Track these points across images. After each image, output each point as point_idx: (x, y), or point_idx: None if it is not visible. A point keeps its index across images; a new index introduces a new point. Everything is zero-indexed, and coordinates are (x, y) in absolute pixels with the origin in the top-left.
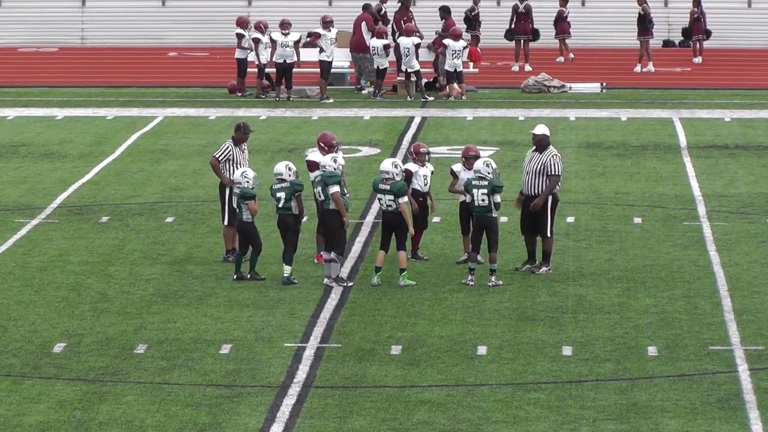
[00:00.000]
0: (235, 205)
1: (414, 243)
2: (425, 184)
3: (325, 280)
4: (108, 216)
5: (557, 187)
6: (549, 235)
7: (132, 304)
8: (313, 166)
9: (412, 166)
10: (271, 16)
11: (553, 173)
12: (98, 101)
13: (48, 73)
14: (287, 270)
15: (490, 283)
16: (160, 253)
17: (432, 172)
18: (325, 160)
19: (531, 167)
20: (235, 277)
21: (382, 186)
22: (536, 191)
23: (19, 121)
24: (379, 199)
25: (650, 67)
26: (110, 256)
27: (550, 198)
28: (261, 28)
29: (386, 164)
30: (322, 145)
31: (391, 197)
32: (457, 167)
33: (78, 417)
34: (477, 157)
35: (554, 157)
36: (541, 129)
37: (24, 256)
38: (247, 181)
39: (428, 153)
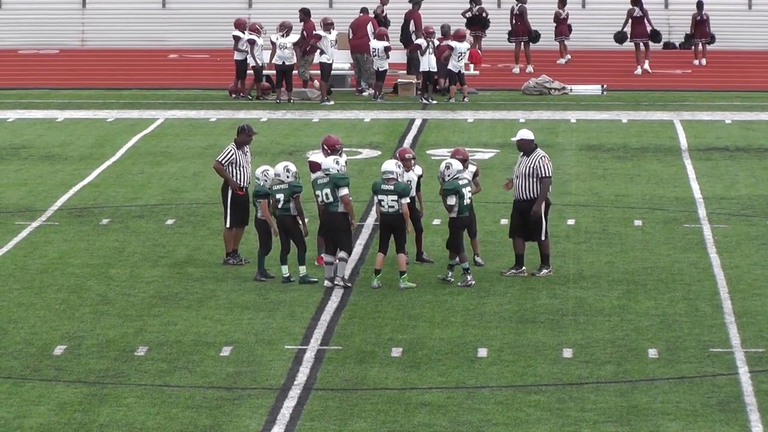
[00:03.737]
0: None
1: (417, 246)
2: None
3: (326, 282)
4: (108, 218)
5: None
6: (543, 238)
7: (132, 307)
8: (315, 166)
9: None
10: (272, 18)
11: (543, 175)
12: (99, 103)
13: (48, 75)
14: (302, 270)
15: (461, 283)
16: (160, 255)
17: (420, 176)
18: (328, 161)
19: (520, 171)
20: (259, 276)
21: (384, 187)
22: (527, 195)
23: (19, 123)
24: (380, 201)
25: (641, 69)
26: (110, 259)
27: (544, 203)
28: (257, 29)
29: (389, 164)
30: (325, 147)
31: (395, 197)
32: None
33: (78, 419)
34: (466, 160)
35: (542, 159)
36: (521, 134)
37: (24, 259)
38: (266, 180)
39: (414, 158)
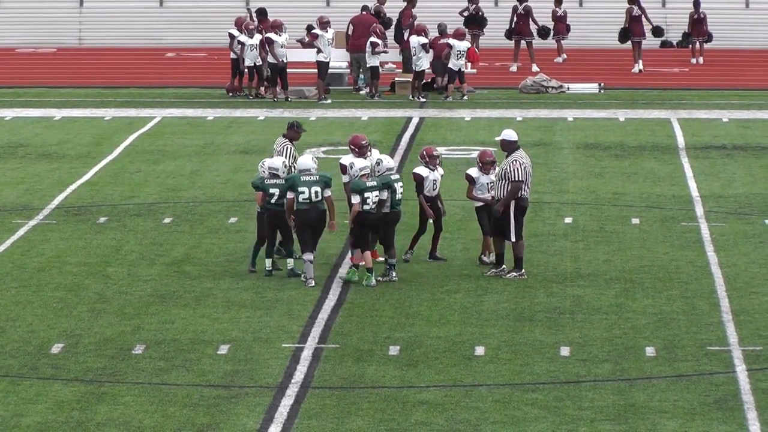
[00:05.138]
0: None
1: (432, 244)
2: (434, 189)
3: (312, 282)
4: (106, 217)
5: (525, 192)
6: (514, 239)
7: (130, 305)
8: (344, 169)
9: (422, 170)
10: (269, 17)
11: (513, 179)
12: (96, 102)
13: (46, 73)
14: (291, 263)
15: (393, 278)
16: (157, 253)
17: (441, 176)
18: (307, 160)
19: (497, 171)
20: (253, 269)
21: (370, 183)
22: (500, 195)
23: (16, 122)
24: (366, 198)
25: (640, 65)
26: (108, 257)
27: (513, 203)
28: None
29: (364, 161)
30: (352, 147)
31: (377, 193)
32: (474, 172)
33: (76, 417)
34: (494, 162)
35: (514, 162)
36: (503, 134)
37: (22, 257)
38: (263, 171)
39: (439, 156)
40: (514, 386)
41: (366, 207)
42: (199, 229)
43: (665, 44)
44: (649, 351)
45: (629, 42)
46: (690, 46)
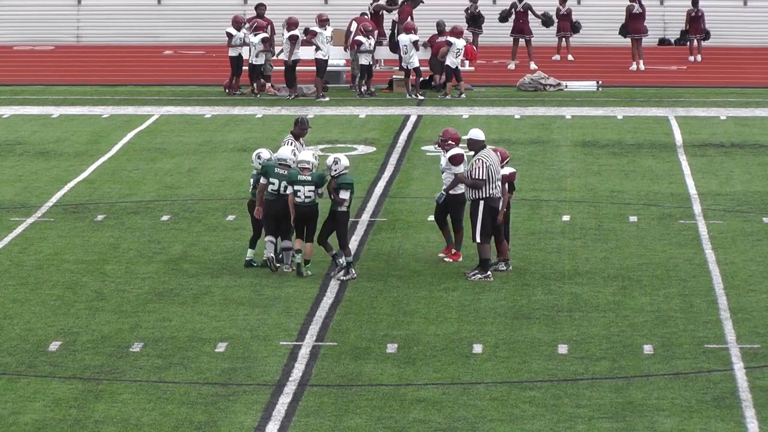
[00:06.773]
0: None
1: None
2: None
3: (288, 267)
4: (103, 214)
5: (492, 192)
6: (477, 240)
7: (127, 303)
8: (458, 159)
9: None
10: (268, 14)
11: (474, 177)
12: (94, 100)
13: (43, 71)
14: (250, 253)
15: (345, 277)
16: (155, 251)
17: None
18: (286, 152)
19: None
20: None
21: (302, 177)
22: (470, 195)
23: (14, 120)
24: (297, 192)
25: (641, 65)
26: (106, 255)
27: (482, 203)
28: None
29: (306, 155)
30: (449, 141)
31: (311, 188)
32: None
33: (74, 415)
34: (506, 158)
35: (476, 161)
36: (469, 134)
37: (19, 255)
38: (260, 162)
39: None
40: (511, 384)
41: (297, 200)
42: (197, 227)
43: (663, 42)
44: (647, 349)
45: (628, 39)
46: (688, 43)
